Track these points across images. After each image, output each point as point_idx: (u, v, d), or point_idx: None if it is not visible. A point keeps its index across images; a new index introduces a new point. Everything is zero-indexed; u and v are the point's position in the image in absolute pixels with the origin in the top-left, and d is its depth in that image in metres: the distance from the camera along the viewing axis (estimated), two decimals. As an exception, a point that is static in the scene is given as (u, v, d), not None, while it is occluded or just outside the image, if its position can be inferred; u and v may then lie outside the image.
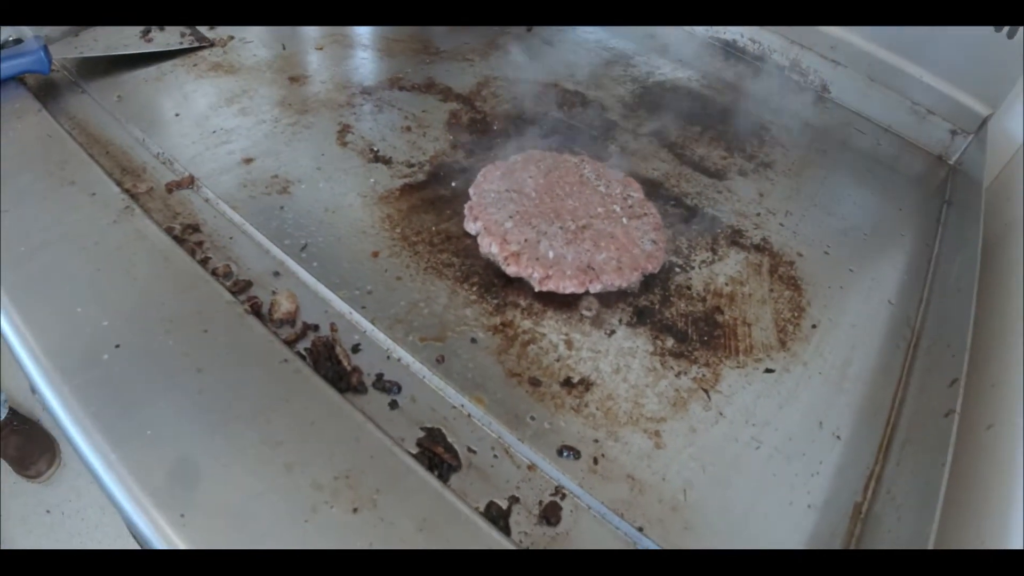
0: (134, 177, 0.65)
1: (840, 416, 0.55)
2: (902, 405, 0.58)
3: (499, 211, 0.61)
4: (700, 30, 1.09)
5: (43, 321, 0.49)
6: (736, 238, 0.69)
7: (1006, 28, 0.86)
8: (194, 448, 0.43)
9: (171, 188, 0.64)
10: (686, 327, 0.59)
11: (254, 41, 0.87)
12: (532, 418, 0.49)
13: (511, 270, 0.57)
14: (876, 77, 0.98)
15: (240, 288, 0.55)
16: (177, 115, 0.72)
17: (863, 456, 0.53)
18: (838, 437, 0.54)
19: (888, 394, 0.59)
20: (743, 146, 0.84)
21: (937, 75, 0.94)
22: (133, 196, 0.61)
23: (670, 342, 0.57)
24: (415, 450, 0.46)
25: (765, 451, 0.51)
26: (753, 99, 0.95)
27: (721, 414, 0.53)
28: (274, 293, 0.55)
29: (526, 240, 0.58)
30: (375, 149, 0.71)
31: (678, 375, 0.54)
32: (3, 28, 0.84)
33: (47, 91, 0.74)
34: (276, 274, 0.57)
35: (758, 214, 0.74)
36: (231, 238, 0.59)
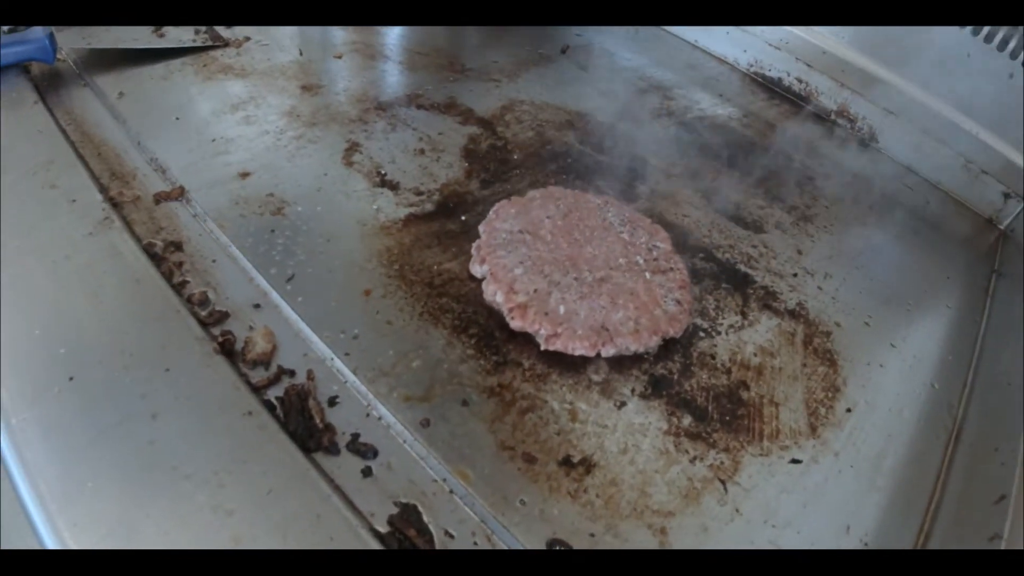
0: (122, 183, 0.60)
1: (870, 520, 0.49)
2: (937, 513, 0.51)
3: (509, 255, 0.55)
4: (743, 64, 1.03)
5: (-1, 343, 0.44)
6: (769, 301, 0.63)
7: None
8: (136, 509, 0.38)
9: (159, 199, 0.59)
10: (707, 403, 0.52)
11: (270, 44, 0.83)
12: (522, 502, 0.43)
13: (516, 324, 0.51)
14: (929, 130, 0.91)
15: (215, 319, 0.49)
16: (178, 119, 0.68)
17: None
18: (866, 544, 0.47)
19: (924, 498, 0.52)
20: (783, 196, 0.78)
21: (994, 133, 0.88)
22: (116, 205, 0.57)
23: (687, 420, 0.51)
24: (385, 528, 0.40)
25: (785, 559, 0.45)
26: (796, 143, 0.89)
27: (738, 511, 0.46)
28: (251, 329, 0.49)
29: (535, 291, 0.52)
30: (383, 172, 0.66)
31: (693, 461, 0.48)
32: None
33: (49, 81, 0.70)
34: (257, 306, 0.51)
35: (795, 275, 0.67)
36: (214, 261, 0.54)
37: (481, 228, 0.59)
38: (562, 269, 0.55)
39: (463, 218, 0.63)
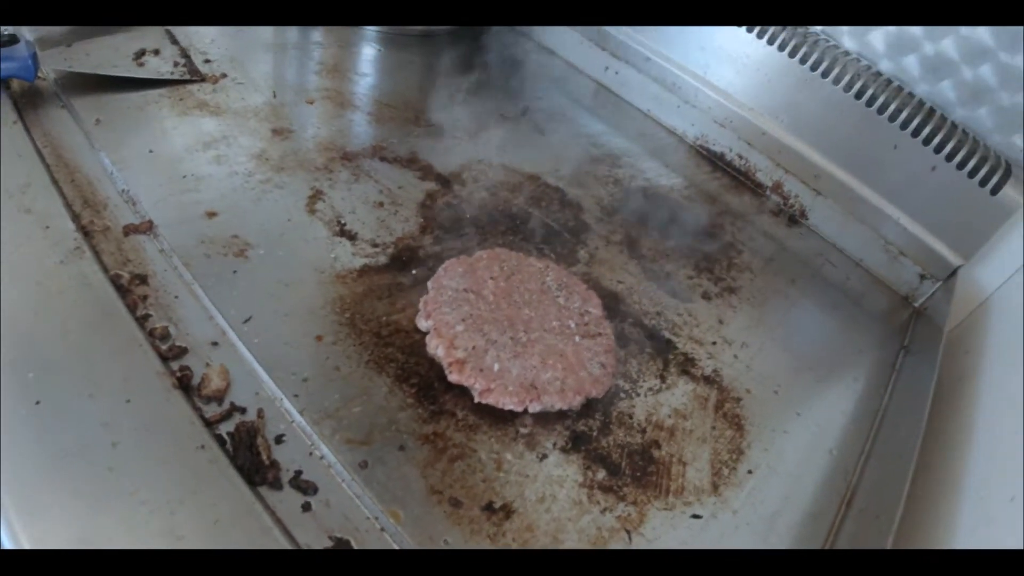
0: (94, 212, 0.63)
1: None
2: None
3: (453, 311, 0.60)
4: (691, 137, 1.11)
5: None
6: (688, 367, 0.69)
7: (992, 182, 0.88)
8: (94, 529, 0.41)
9: (128, 231, 0.62)
10: (620, 459, 0.58)
11: (246, 83, 0.86)
12: (446, 541, 0.48)
13: (453, 377, 0.56)
14: (855, 212, 0.99)
15: (174, 354, 0.53)
16: (151, 152, 0.71)
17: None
18: (753, 600, 0.53)
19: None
20: (712, 267, 0.85)
21: (914, 219, 0.95)
22: (88, 234, 0.60)
23: (601, 474, 0.56)
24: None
25: (678, 607, 0.50)
26: (731, 216, 0.96)
27: (640, 560, 0.52)
28: (207, 366, 0.53)
29: (474, 347, 0.57)
30: (343, 222, 0.71)
31: (603, 511, 0.53)
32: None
33: (29, 99, 0.73)
34: (215, 344, 0.55)
35: (714, 343, 0.73)
36: (177, 297, 0.58)
37: (429, 284, 0.64)
38: (500, 328, 0.60)
39: (414, 272, 0.68)
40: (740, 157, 1.07)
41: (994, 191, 0.88)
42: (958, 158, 0.89)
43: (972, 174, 0.88)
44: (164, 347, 0.53)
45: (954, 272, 0.94)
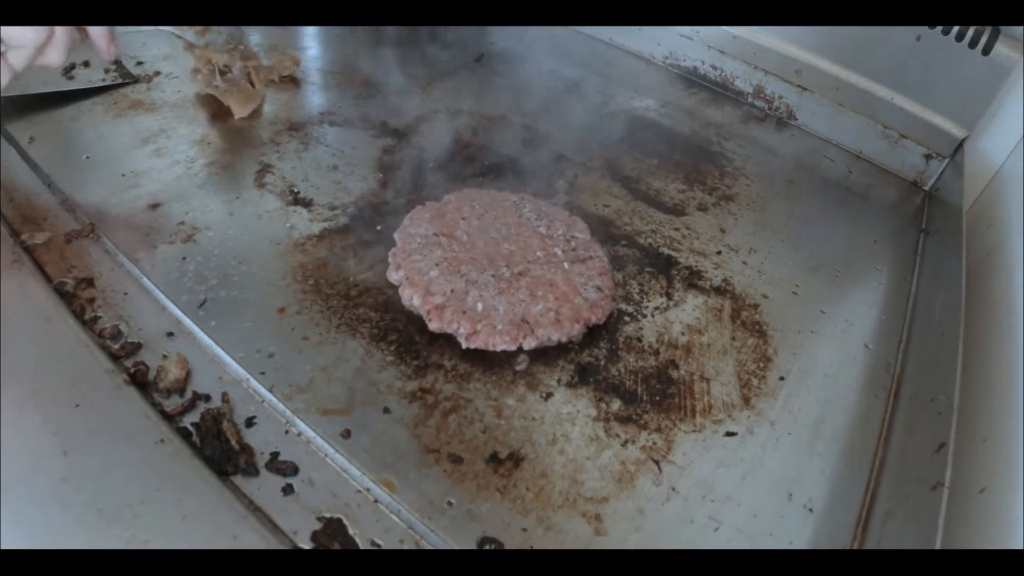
0: (33, 226, 0.58)
1: (813, 485, 0.49)
2: (882, 470, 0.51)
3: (424, 258, 0.54)
4: (659, 57, 1.05)
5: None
6: (694, 280, 0.63)
7: (982, 43, 0.82)
8: (53, 548, 0.36)
9: (69, 238, 0.57)
10: (635, 386, 0.52)
11: (180, 76, 0.81)
12: (449, 503, 0.42)
13: (434, 325, 0.50)
14: (845, 102, 0.93)
15: (128, 352, 0.48)
16: (88, 157, 0.66)
17: (840, 532, 0.46)
18: (811, 510, 0.47)
19: (867, 457, 0.52)
20: (703, 178, 0.79)
21: (908, 97, 0.90)
22: (27, 248, 0.55)
23: (616, 404, 0.50)
24: (309, 545, 0.39)
25: (725, 533, 0.44)
26: (716, 128, 0.90)
27: (674, 489, 0.46)
28: (164, 357, 0.48)
29: (452, 291, 0.52)
30: (296, 191, 0.65)
31: (624, 444, 0.48)
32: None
33: (-42, 130, 0.68)
34: (170, 335, 0.50)
35: (719, 252, 0.68)
36: (126, 294, 0.53)
37: (396, 235, 0.58)
38: (479, 268, 0.55)
39: (378, 228, 0.62)
40: (714, 68, 1.01)
41: (985, 51, 0.82)
42: (940, 23, 0.83)
43: (959, 37, 0.83)
44: (115, 346, 0.48)
45: (959, 146, 0.88)
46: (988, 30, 0.81)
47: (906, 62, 0.88)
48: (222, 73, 0.78)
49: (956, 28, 0.82)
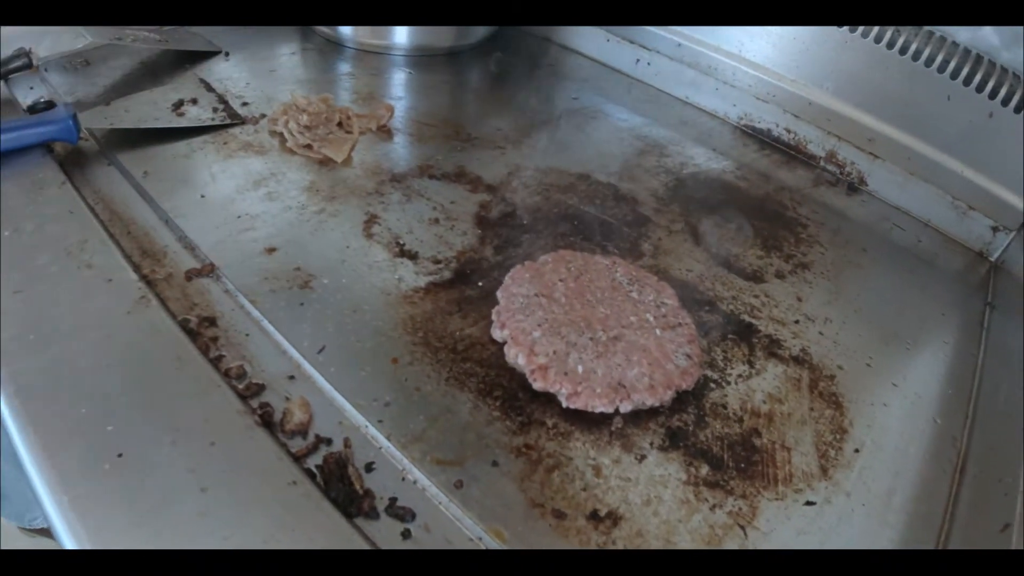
0: (153, 261, 0.63)
1: (884, 556, 0.51)
2: (947, 545, 0.53)
3: (527, 318, 0.58)
4: (733, 117, 1.08)
5: (48, 421, 0.47)
6: (774, 349, 0.66)
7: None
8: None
9: (190, 276, 0.62)
10: (722, 452, 0.55)
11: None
12: (555, 556, 0.46)
13: (538, 385, 0.54)
14: (916, 171, 0.96)
15: (252, 392, 0.52)
16: (203, 196, 0.71)
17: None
18: (881, 581, 0.49)
19: (933, 532, 0.54)
20: (780, 244, 0.82)
21: (978, 170, 0.92)
22: (150, 283, 0.60)
23: (704, 469, 0.53)
24: (427, 590, 0.43)
25: (806, 600, 0.47)
26: (788, 192, 0.93)
27: (759, 555, 0.49)
28: (287, 400, 0.52)
29: (555, 352, 0.55)
30: (401, 243, 0.69)
31: (713, 508, 0.51)
32: (34, 89, 0.84)
33: (74, 160, 0.73)
34: (291, 377, 0.54)
35: (796, 321, 0.70)
36: (247, 335, 0.57)
37: (499, 294, 0.62)
38: (577, 330, 0.58)
39: (480, 284, 0.66)
40: (788, 131, 1.04)
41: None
42: (1014, 101, 0.86)
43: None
44: (241, 386, 0.52)
45: (1026, 219, 0.90)
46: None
47: (977, 136, 0.90)
48: (308, 128, 0.83)
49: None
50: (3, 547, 1.43)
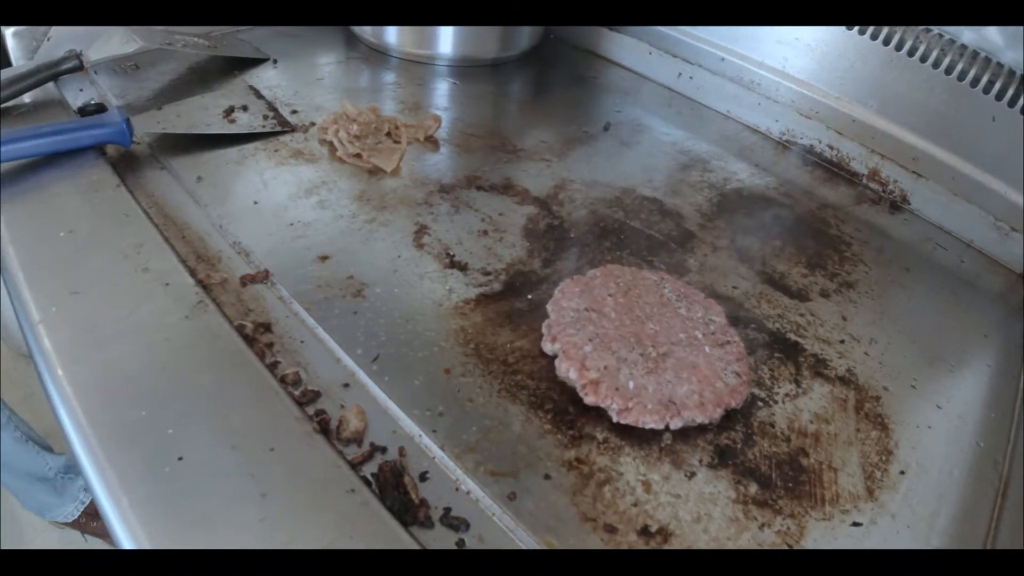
0: (209, 266, 0.64)
1: (928, 579, 0.51)
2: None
3: (578, 332, 0.59)
4: (776, 133, 1.08)
5: (108, 424, 0.48)
6: (820, 368, 0.66)
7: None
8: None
9: (245, 282, 0.63)
10: (770, 471, 0.55)
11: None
12: (607, 571, 0.46)
13: (589, 399, 0.55)
14: (959, 191, 0.95)
15: (308, 399, 0.53)
16: (256, 203, 0.73)
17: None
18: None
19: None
20: (824, 263, 0.82)
21: (1020, 192, 0.91)
22: (207, 288, 0.61)
23: (753, 488, 0.54)
24: (483, 599, 0.43)
25: (855, 622, 0.47)
26: (831, 210, 0.93)
27: (808, 575, 0.49)
28: (343, 408, 0.53)
29: (606, 367, 0.56)
30: (451, 253, 0.70)
31: (761, 527, 0.51)
32: (84, 92, 0.86)
33: (126, 164, 0.75)
34: (346, 385, 0.55)
35: (842, 341, 0.70)
36: (302, 342, 0.58)
37: (549, 307, 0.63)
38: (628, 345, 0.59)
39: (529, 296, 0.67)
40: (831, 148, 1.03)
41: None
42: (1059, 124, 0.85)
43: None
44: (297, 392, 0.54)
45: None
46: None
47: (1021, 158, 0.89)
48: (358, 138, 0.84)
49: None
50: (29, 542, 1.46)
